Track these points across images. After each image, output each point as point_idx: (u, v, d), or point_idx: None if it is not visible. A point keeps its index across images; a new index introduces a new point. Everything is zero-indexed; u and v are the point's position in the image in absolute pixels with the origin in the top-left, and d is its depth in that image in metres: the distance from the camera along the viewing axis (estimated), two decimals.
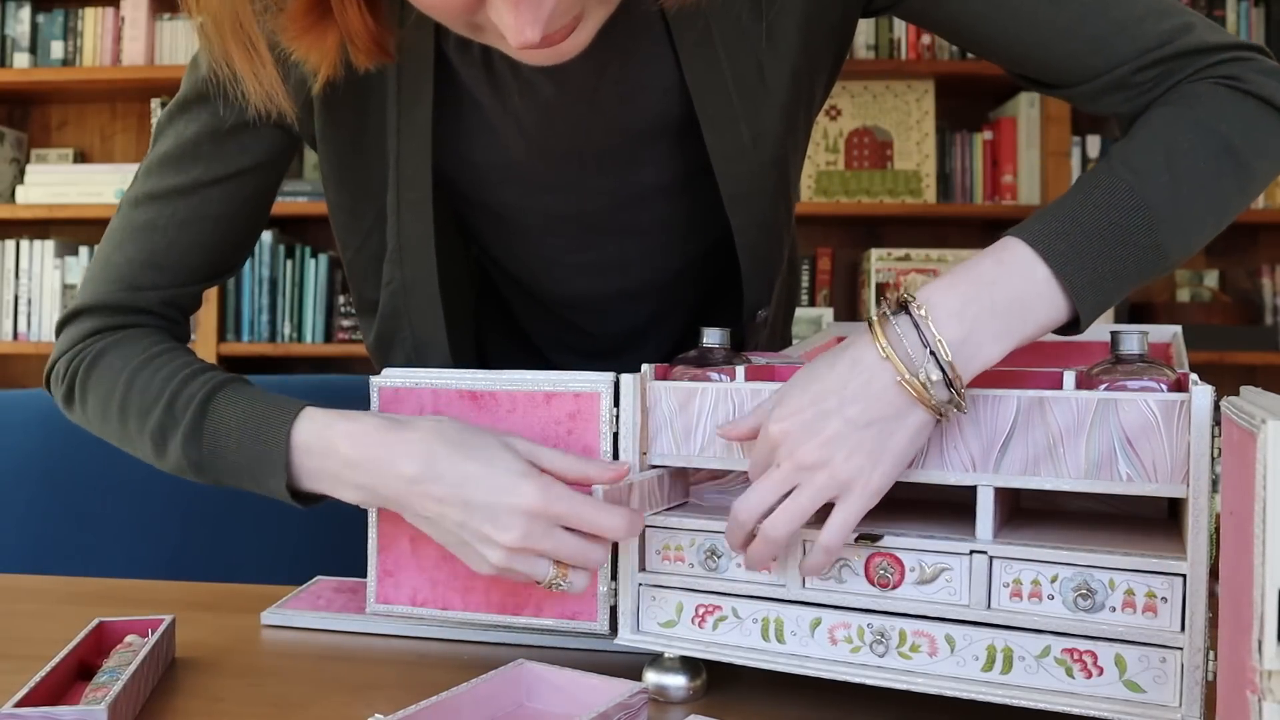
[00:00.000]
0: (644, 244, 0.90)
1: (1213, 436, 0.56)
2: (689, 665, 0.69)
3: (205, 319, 2.70)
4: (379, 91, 0.81)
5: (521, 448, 0.71)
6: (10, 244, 2.86)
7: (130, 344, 0.85)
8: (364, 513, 0.80)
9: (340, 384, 1.37)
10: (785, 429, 0.63)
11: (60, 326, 0.88)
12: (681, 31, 0.77)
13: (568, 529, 0.68)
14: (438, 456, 0.70)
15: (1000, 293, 0.62)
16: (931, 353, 0.60)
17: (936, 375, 0.60)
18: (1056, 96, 0.78)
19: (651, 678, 0.69)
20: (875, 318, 0.63)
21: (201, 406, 0.78)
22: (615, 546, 0.72)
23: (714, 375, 0.71)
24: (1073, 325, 0.64)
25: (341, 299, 2.79)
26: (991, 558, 0.61)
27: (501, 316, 1.00)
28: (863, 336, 0.63)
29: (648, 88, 0.80)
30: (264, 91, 0.69)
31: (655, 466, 0.72)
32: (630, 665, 0.72)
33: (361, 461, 0.72)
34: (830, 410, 0.62)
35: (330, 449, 0.73)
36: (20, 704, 0.61)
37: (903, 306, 0.62)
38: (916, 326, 0.61)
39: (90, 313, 0.86)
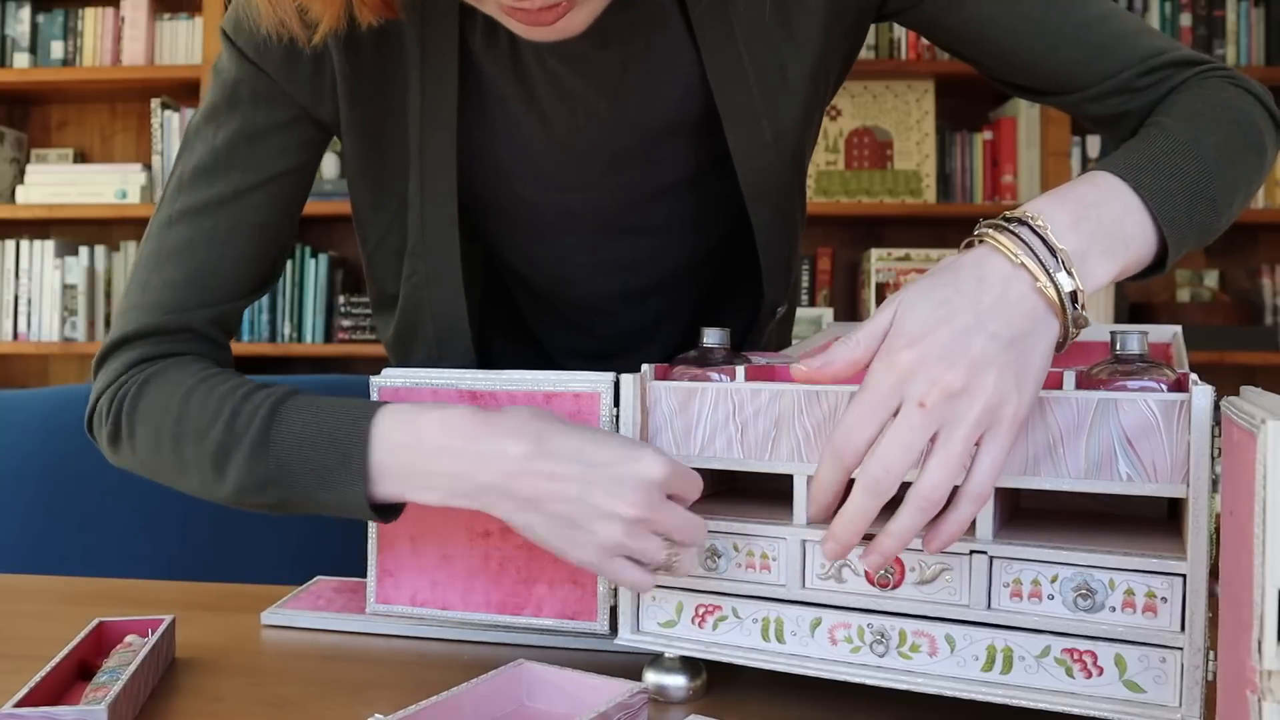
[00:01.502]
0: (653, 242, 0.91)
1: (1213, 436, 0.56)
2: (689, 665, 0.69)
3: None
4: (402, 83, 0.81)
5: None
6: (10, 244, 2.86)
7: (179, 369, 0.79)
8: None
9: (340, 384, 1.37)
10: (921, 354, 0.55)
11: (98, 364, 0.82)
12: (703, 28, 0.78)
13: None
14: (547, 433, 0.65)
15: (1105, 214, 0.61)
16: (1061, 261, 0.57)
17: (1069, 285, 0.57)
18: (1055, 104, 0.82)
19: (651, 678, 0.69)
20: (989, 229, 0.59)
21: (268, 418, 0.71)
22: None
23: (714, 375, 0.71)
24: (1155, 267, 0.65)
25: (341, 299, 2.79)
26: (991, 558, 0.61)
27: (508, 318, 1.00)
28: (978, 249, 0.59)
29: (669, 83, 0.81)
30: (277, 17, 0.68)
31: None
32: (630, 665, 0.72)
33: (456, 447, 0.66)
34: (969, 327, 0.55)
35: (418, 438, 0.67)
36: (20, 704, 0.61)
37: (1016, 219, 0.59)
38: (1040, 237, 0.57)
39: (132, 342, 0.81)
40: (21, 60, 2.84)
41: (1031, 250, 0.57)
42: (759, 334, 0.95)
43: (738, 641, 0.68)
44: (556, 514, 0.65)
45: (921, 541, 0.58)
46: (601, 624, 0.74)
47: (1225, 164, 0.68)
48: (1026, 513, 0.71)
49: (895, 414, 0.56)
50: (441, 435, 0.67)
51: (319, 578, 0.96)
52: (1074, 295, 0.57)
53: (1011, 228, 0.58)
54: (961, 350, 0.55)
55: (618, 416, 0.72)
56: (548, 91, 0.80)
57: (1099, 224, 0.60)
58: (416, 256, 0.85)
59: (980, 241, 0.59)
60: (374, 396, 0.78)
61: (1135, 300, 2.75)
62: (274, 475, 0.71)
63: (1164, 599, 0.58)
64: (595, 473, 0.64)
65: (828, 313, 2.74)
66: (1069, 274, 0.57)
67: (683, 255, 0.93)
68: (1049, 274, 0.57)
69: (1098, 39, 0.77)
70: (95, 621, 0.74)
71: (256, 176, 0.81)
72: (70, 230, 2.94)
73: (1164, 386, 0.61)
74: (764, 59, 0.80)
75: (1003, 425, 0.55)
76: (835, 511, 0.58)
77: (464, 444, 0.66)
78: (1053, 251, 0.57)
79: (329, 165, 2.70)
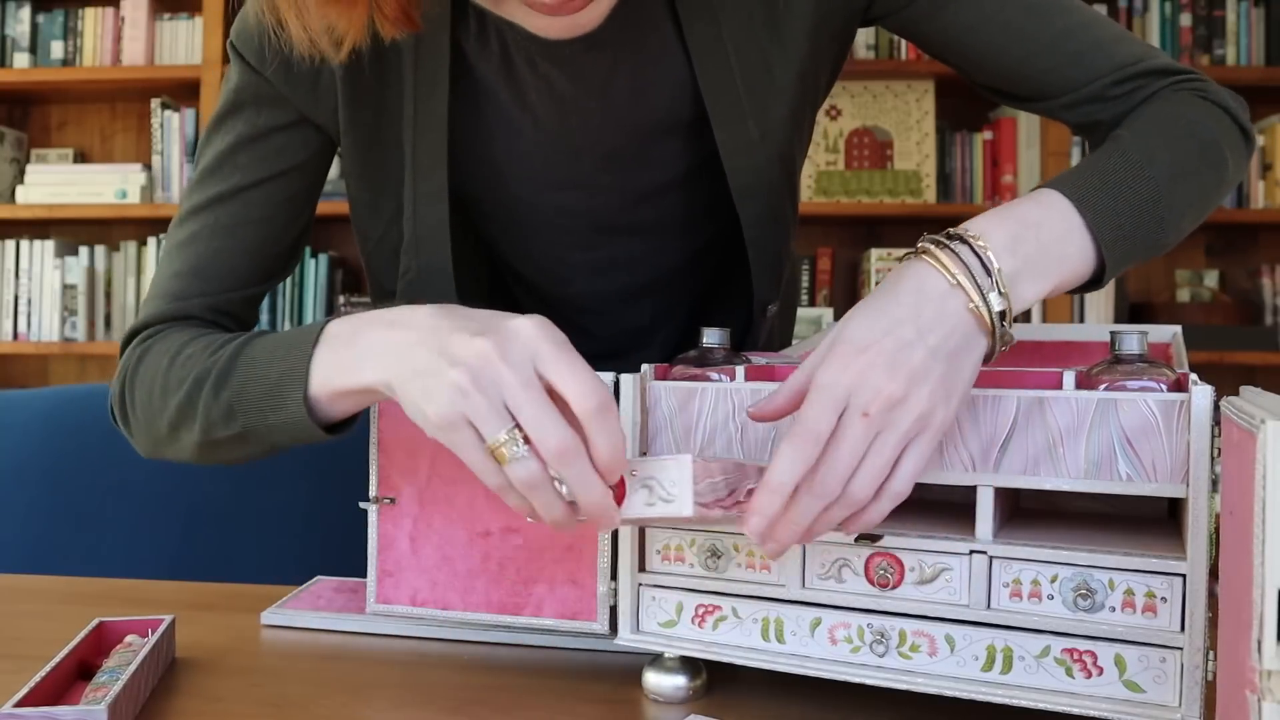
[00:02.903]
0: (648, 240, 0.92)
1: (1213, 436, 0.56)
2: (689, 665, 0.69)
3: None
4: (396, 86, 0.83)
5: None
6: (10, 244, 2.86)
7: (177, 332, 0.83)
8: (364, 513, 0.80)
9: None
10: (869, 362, 0.58)
11: (120, 354, 0.88)
12: (692, 31, 0.81)
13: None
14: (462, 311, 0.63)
15: (1044, 234, 0.63)
16: (995, 281, 0.60)
17: (1000, 305, 0.59)
18: (1033, 110, 0.84)
19: (651, 678, 0.69)
20: (931, 246, 0.61)
21: (235, 353, 0.74)
22: (615, 543, 0.72)
23: (714, 375, 0.71)
24: (1092, 283, 0.67)
25: (341, 299, 2.79)
26: (991, 558, 0.61)
27: None
28: (916, 265, 0.61)
29: (659, 84, 0.83)
30: (307, 37, 0.70)
31: None
32: (630, 665, 0.73)
33: (385, 324, 0.65)
34: (911, 340, 0.58)
35: (355, 327, 0.67)
36: (20, 704, 0.61)
37: (958, 237, 0.61)
38: (978, 256, 0.60)
39: (141, 333, 0.86)
40: (21, 60, 2.84)
41: (969, 269, 0.60)
42: (756, 333, 0.96)
43: (738, 641, 0.68)
44: (402, 359, 0.61)
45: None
46: (601, 624, 0.74)
47: (1178, 182, 0.70)
48: (1026, 513, 0.71)
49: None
50: (380, 320, 0.65)
51: (319, 578, 0.96)
52: (1003, 315, 0.60)
53: (953, 245, 0.61)
54: (904, 361, 0.58)
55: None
56: (539, 93, 0.81)
57: (1037, 244, 0.62)
58: (410, 254, 0.87)
59: (919, 256, 0.61)
60: None
61: (1135, 300, 2.75)
62: (235, 402, 0.72)
63: (1164, 599, 0.58)
64: (460, 311, 0.61)
65: (828, 313, 2.74)
66: (1001, 294, 0.60)
67: (677, 254, 0.94)
68: (983, 294, 0.59)
69: (1075, 47, 0.79)
70: (95, 621, 0.74)
71: (257, 174, 0.85)
72: (70, 230, 2.94)
73: (1164, 386, 0.61)
74: (751, 60, 0.82)
75: (928, 433, 0.58)
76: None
77: (396, 317, 0.64)
78: (988, 271, 0.60)
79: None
